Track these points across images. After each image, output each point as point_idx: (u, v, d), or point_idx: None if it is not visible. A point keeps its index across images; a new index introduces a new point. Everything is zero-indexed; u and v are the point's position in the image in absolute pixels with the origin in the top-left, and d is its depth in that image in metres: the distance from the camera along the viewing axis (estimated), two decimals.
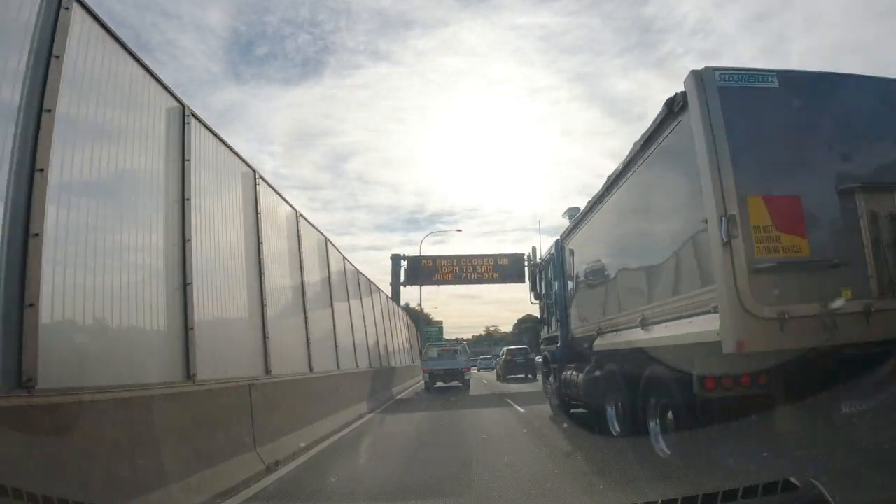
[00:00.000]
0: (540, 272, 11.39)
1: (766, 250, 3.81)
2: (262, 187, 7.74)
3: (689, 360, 4.37)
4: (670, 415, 4.92)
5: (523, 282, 35.99)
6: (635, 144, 5.31)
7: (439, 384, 20.55)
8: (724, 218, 3.78)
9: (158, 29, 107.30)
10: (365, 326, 15.96)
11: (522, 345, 27.81)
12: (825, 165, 4.09)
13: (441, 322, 64.10)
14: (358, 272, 16.56)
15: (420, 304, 45.46)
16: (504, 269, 40.93)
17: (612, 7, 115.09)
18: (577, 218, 8.13)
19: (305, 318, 9.39)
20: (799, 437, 4.28)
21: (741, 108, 4.04)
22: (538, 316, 12.90)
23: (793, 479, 2.39)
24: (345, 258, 14.49)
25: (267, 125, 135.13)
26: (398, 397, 16.61)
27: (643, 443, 5.39)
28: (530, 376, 23.86)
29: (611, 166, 5.63)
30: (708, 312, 4.05)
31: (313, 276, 10.57)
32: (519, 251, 42.92)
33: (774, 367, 4.04)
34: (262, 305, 7.13)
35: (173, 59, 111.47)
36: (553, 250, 9.98)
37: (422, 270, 40.15)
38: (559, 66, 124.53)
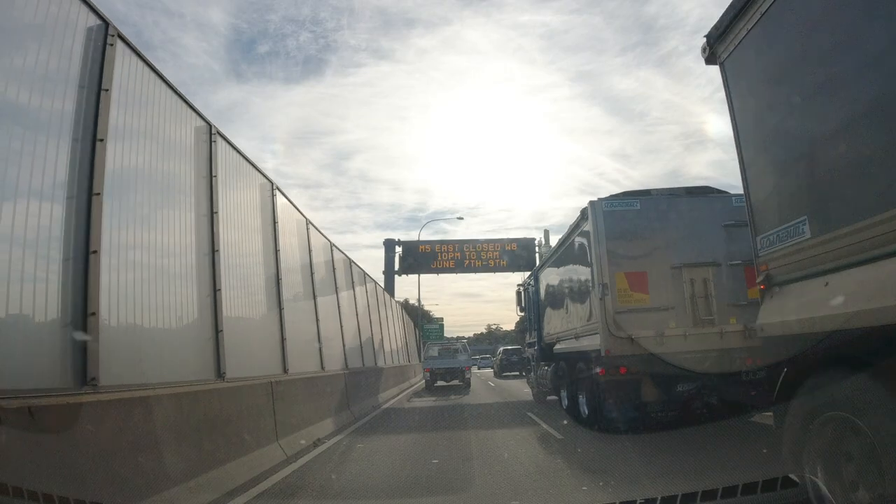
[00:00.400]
0: (524, 291, 14.80)
1: (624, 302, 7.21)
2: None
3: (592, 359, 7.78)
4: (587, 391, 8.33)
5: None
6: (570, 227, 8.77)
7: (440, 383, 20.61)
8: (600, 284, 7.21)
9: (160, 28, 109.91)
10: (341, 319, 12.65)
11: (517, 345, 31.14)
12: (664, 253, 7.46)
13: (442, 319, 61.70)
14: (332, 246, 13.03)
15: (419, 299, 43.27)
16: (512, 256, 36.65)
17: (614, 5, 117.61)
18: (544, 259, 11.57)
19: (215, 295, 6.04)
20: (655, 402, 7.65)
21: (616, 222, 7.43)
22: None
23: (792, 476, 2.41)
24: (307, 221, 10.80)
25: (268, 124, 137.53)
26: (385, 406, 13.65)
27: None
28: (523, 373, 27.15)
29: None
30: (596, 333, 7.46)
31: (248, 239, 7.45)
32: (529, 235, 39.14)
33: (640, 363, 7.39)
34: (88, 252, 4.17)
35: (175, 57, 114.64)
36: (532, 277, 13.43)
37: (419, 257, 36.49)
38: (561, 64, 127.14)
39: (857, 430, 2.81)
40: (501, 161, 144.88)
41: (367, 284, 18.49)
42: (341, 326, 12.65)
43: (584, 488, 4.73)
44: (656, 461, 5.53)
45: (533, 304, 13.25)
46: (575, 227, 8.45)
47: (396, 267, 36.90)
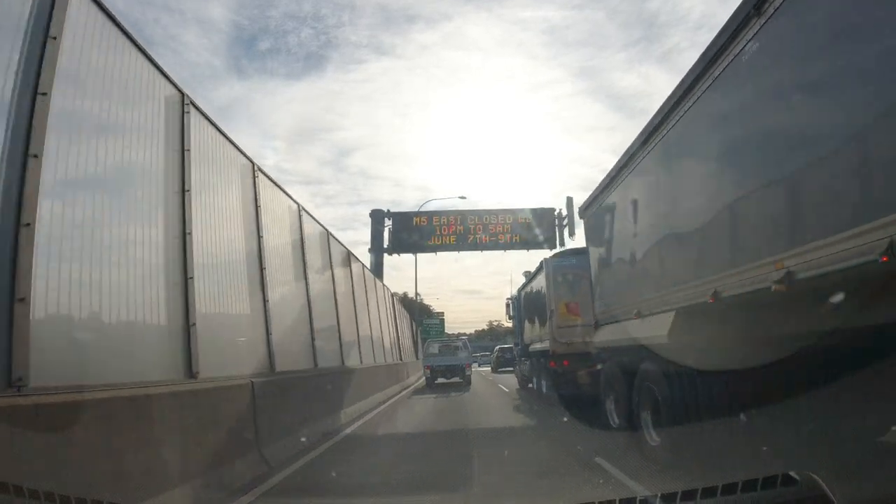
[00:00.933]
0: (512, 302, 19.59)
1: (564, 321, 11.95)
2: None
3: (547, 356, 12.55)
4: (545, 377, 13.10)
5: (553, 247, 29.57)
6: (535, 269, 13.56)
7: (440, 380, 20.92)
8: (549, 310, 11.98)
9: (160, 24, 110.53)
10: (266, 296, 8.09)
11: (511, 345, 36.00)
12: (589, 290, 12.12)
13: (443, 314, 59.01)
14: (254, 171, 8.31)
15: (416, 289, 40.62)
16: (527, 231, 31.16)
17: (617, 1, 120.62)
18: (523, 284, 16.38)
19: None
20: (587, 384, 12.39)
21: (560, 271, 12.18)
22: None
23: (792, 474, 2.49)
24: (183, 96, 6.21)
25: (269, 120, 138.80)
26: (349, 430, 9.27)
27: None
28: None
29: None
30: (548, 339, 12.25)
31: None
32: (548, 205, 33.13)
33: (575, 358, 12.12)
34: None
35: (175, 53, 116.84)
36: (517, 293, 18.27)
37: (413, 233, 31.01)
38: (563, 60, 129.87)
39: (617, 376, 7.53)
40: (504, 157, 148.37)
41: (337, 255, 13.44)
42: (266, 305, 8.08)
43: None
44: (655, 457, 5.76)
45: (517, 313, 18.06)
46: (537, 271, 13.23)
47: (386, 243, 31.08)
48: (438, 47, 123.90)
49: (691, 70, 4.94)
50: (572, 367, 12.04)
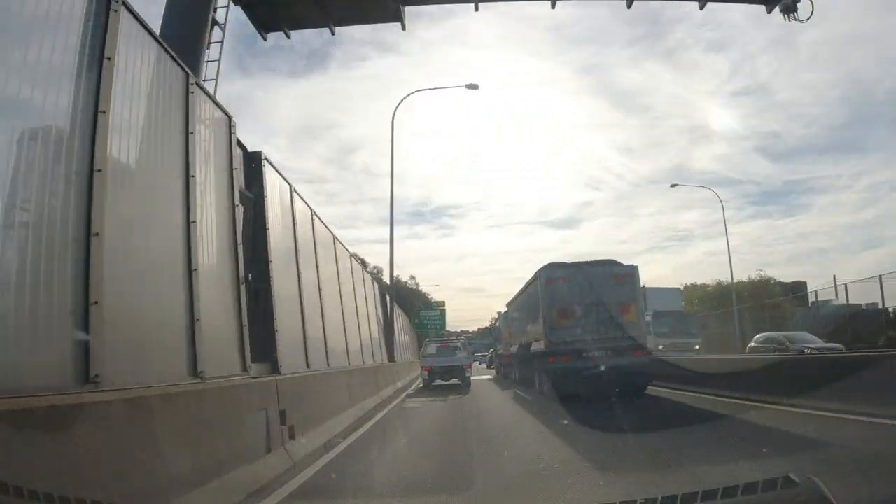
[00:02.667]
0: (494, 327, 36.92)
1: (507, 342, 29.09)
2: None
3: (502, 356, 29.81)
4: (503, 366, 30.41)
5: None
6: (493, 320, 30.89)
7: (438, 382, 20.60)
8: (503, 336, 29.30)
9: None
10: None
11: None
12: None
13: (443, 303, 55.91)
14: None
15: (391, 243, 23.70)
16: None
17: None
18: (494, 320, 33.91)
19: None
20: (522, 372, 29.48)
21: (505, 319, 29.37)
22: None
23: (792, 476, 2.57)
24: None
25: (272, 117, 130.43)
26: None
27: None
28: None
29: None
30: (501, 350, 29.59)
31: None
32: None
33: (512, 356, 29.22)
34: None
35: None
36: (494, 322, 35.84)
37: None
38: (567, 57, 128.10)
39: (513, 363, 24.67)
40: (506, 155, 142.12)
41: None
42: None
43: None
44: (654, 459, 5.85)
45: (495, 335, 35.45)
46: (494, 322, 30.64)
47: None
48: (441, 44, 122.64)
49: (520, 290, 21.97)
50: (511, 360, 29.24)
